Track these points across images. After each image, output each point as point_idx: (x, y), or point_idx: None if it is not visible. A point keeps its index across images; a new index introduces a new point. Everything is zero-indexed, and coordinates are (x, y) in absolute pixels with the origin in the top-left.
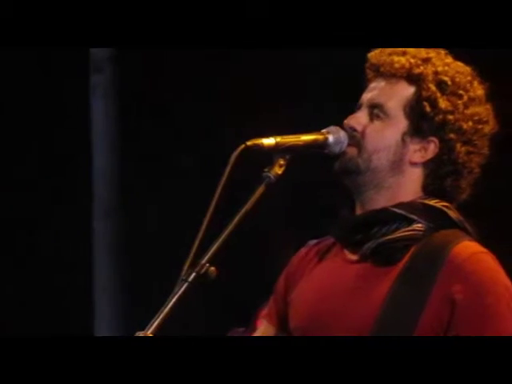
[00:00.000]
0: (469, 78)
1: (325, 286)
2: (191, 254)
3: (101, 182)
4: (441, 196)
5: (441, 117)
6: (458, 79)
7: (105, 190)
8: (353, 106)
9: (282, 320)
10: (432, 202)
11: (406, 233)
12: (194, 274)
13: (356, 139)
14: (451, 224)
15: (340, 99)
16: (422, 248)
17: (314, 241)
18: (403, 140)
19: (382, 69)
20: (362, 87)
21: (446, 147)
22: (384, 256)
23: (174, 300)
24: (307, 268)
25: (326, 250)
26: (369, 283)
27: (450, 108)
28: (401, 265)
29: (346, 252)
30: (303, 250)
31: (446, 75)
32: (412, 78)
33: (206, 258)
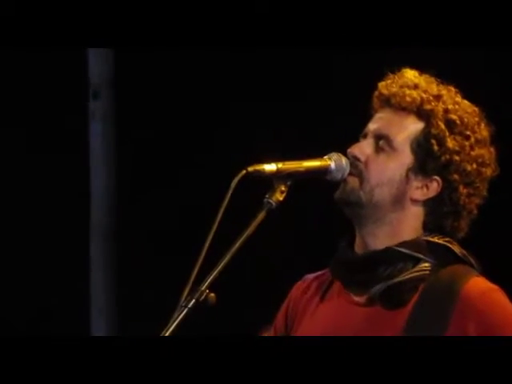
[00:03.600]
0: (476, 118)
1: (331, 331)
2: (190, 280)
3: (98, 206)
4: (440, 234)
5: (447, 157)
6: (466, 119)
7: (102, 214)
8: (356, 133)
9: None
10: (435, 239)
11: (415, 274)
12: (193, 301)
13: (359, 169)
14: (456, 259)
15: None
16: (430, 287)
17: (312, 275)
18: (407, 176)
19: (392, 100)
20: (366, 115)
21: (448, 187)
22: (394, 299)
23: (173, 326)
24: (309, 306)
25: (327, 287)
26: (379, 327)
27: (456, 148)
28: (410, 306)
29: (350, 293)
30: (301, 285)
31: (456, 114)
32: (422, 113)
33: (206, 284)
